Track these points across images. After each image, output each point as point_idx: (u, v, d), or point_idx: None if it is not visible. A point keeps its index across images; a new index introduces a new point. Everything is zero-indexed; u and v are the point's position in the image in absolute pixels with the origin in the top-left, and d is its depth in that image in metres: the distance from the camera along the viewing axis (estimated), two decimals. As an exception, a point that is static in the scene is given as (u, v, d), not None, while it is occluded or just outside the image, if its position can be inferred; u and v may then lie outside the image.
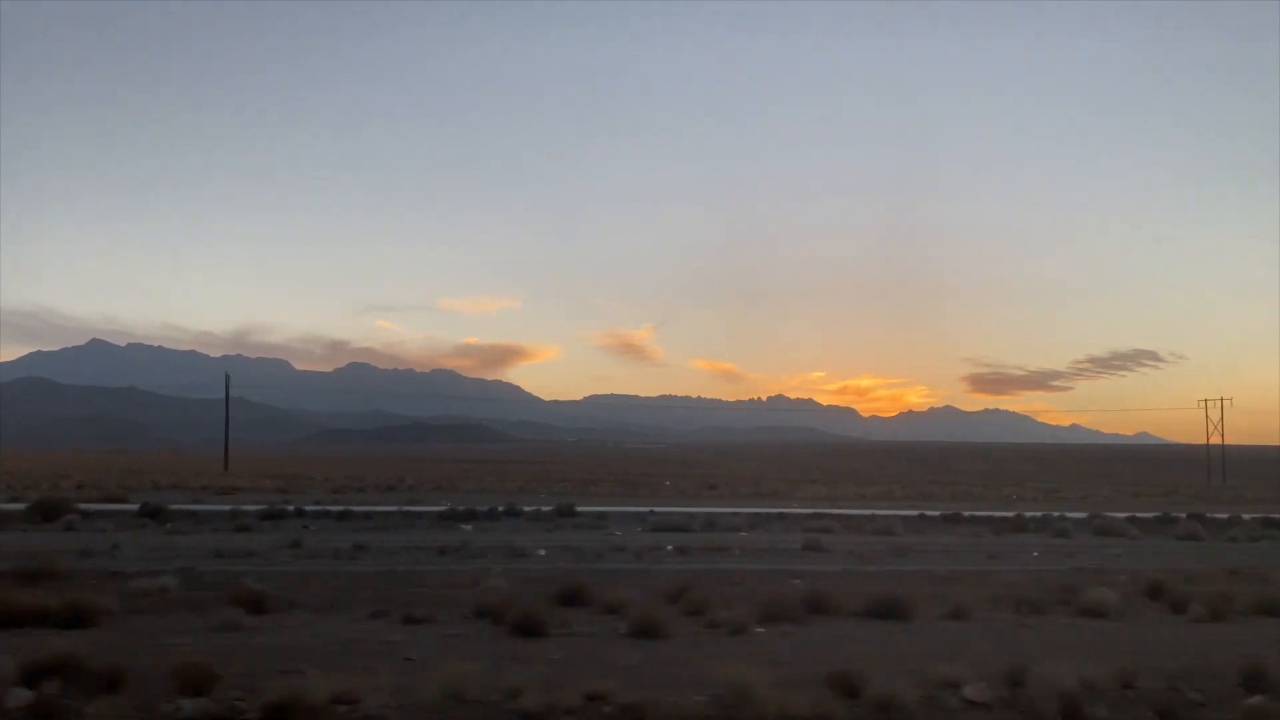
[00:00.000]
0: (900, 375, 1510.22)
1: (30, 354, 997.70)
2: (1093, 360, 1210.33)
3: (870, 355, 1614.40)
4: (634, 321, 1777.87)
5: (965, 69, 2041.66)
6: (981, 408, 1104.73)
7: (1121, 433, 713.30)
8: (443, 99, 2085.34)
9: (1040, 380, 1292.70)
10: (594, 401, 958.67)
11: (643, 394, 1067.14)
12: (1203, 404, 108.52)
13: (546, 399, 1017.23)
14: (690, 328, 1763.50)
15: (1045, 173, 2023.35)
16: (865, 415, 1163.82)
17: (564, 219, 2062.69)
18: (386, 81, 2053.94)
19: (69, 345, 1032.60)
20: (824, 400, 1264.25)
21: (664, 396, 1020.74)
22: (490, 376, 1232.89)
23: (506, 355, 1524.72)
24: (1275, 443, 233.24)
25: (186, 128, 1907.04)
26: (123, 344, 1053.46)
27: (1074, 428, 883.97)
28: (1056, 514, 34.04)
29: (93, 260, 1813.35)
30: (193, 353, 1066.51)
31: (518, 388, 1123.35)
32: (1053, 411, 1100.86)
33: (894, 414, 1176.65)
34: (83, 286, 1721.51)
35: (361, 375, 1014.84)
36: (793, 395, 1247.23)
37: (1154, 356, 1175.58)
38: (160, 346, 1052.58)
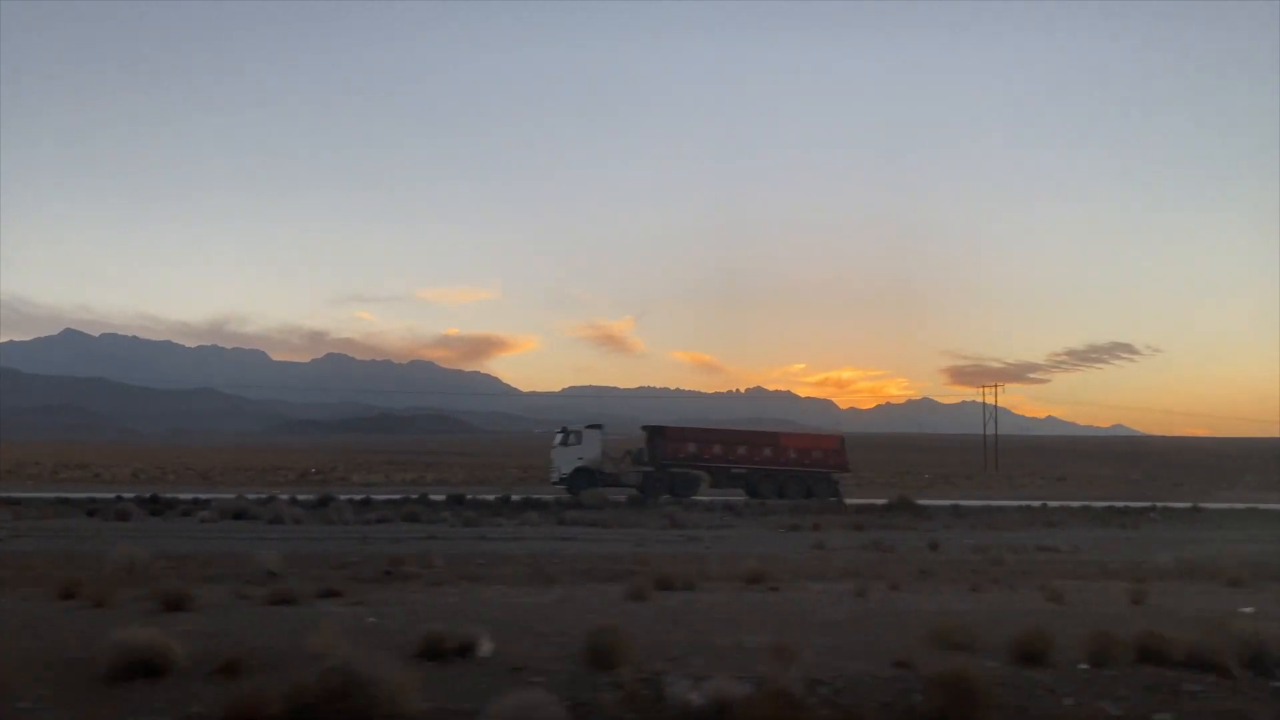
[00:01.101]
0: (881, 368, 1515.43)
1: (4, 343, 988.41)
2: (1070, 353, 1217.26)
3: (851, 348, 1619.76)
4: (614, 313, 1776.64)
5: (944, 66, 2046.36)
6: (959, 399, 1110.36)
7: (1096, 424, 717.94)
8: (423, 91, 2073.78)
9: (1018, 372, 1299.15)
10: (572, 393, 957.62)
11: (622, 385, 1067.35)
12: (981, 392, 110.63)
13: (524, 390, 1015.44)
14: (671, 319, 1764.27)
15: (1024, 166, 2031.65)
16: (843, 407, 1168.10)
17: (544, 210, 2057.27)
18: (366, 73, 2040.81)
19: (42, 335, 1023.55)
20: (804, 392, 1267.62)
21: (641, 388, 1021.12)
22: (471, 367, 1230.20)
23: (487, 346, 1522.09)
24: (1225, 434, 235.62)
25: (167, 118, 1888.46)
26: (96, 334, 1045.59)
27: (1049, 419, 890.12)
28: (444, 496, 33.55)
29: (69, 250, 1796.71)
30: (167, 343, 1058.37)
31: (496, 379, 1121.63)
32: (1028, 404, 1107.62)
33: (872, 406, 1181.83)
34: (58, 276, 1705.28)
35: (339, 366, 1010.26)
36: (771, 387, 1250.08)
37: (1130, 349, 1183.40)
38: (134, 337, 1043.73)
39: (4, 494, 32.64)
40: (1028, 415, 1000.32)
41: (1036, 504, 37.88)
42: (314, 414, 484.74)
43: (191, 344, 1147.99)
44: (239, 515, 24.86)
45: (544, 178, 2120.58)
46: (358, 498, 32.14)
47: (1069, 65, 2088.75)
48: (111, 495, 31.80)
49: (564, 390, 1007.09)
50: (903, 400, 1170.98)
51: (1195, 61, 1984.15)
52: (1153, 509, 34.44)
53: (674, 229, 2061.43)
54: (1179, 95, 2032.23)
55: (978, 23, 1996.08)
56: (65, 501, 29.16)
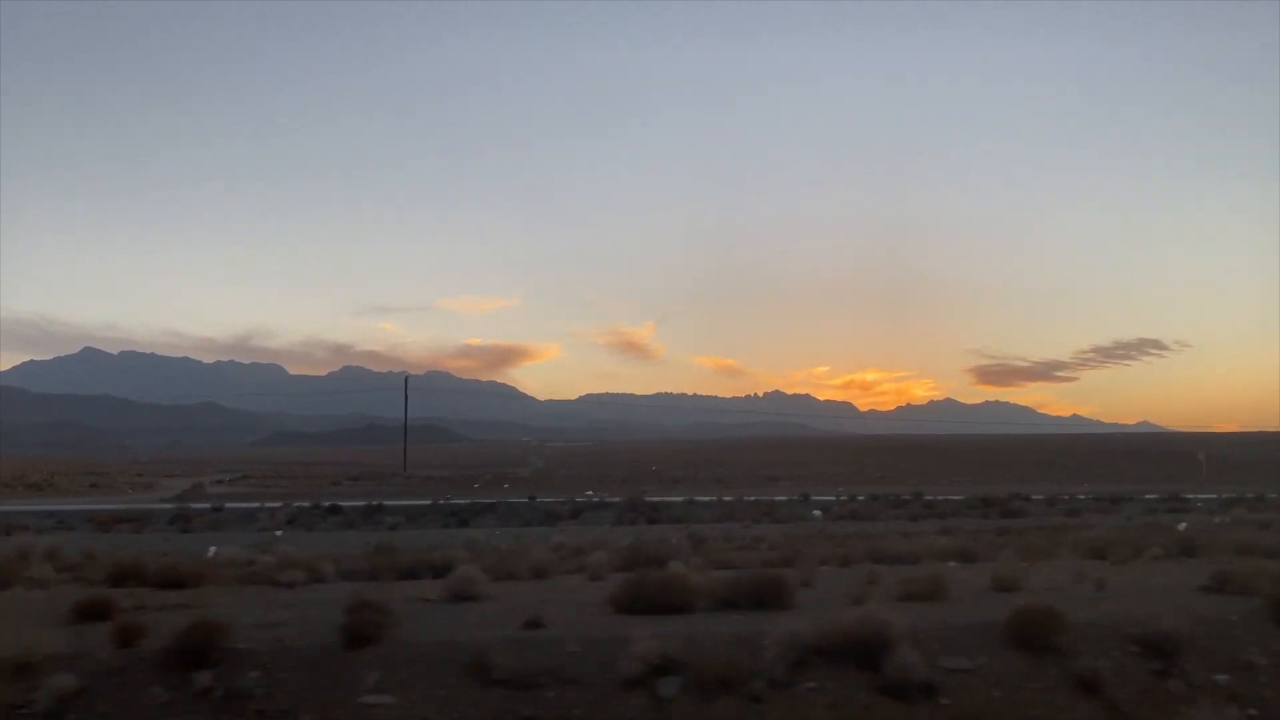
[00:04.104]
0: (905, 369, 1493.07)
1: (25, 363, 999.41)
2: (1097, 350, 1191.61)
3: (876, 349, 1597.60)
4: (635, 319, 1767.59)
5: (962, 66, 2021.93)
6: (982, 400, 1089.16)
7: (1122, 422, 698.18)
8: (442, 101, 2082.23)
9: (1044, 371, 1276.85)
10: (589, 400, 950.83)
11: (642, 392, 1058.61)
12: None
13: (542, 399, 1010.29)
14: (692, 325, 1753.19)
15: (1049, 165, 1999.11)
16: (863, 409, 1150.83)
17: (565, 217, 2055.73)
18: (385, 85, 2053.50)
19: (61, 354, 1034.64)
20: (828, 395, 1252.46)
21: (659, 394, 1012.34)
22: (492, 377, 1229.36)
23: (509, 355, 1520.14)
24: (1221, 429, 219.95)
25: (193, 137, 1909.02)
26: (115, 351, 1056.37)
27: (1075, 418, 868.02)
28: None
29: (95, 269, 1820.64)
30: (185, 359, 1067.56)
31: (513, 388, 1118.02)
32: (1054, 403, 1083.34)
33: (893, 408, 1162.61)
34: (84, 294, 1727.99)
35: (353, 378, 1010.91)
36: (791, 391, 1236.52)
37: (1159, 345, 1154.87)
38: (152, 353, 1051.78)
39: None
40: (1053, 414, 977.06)
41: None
42: (314, 425, 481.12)
43: (209, 359, 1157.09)
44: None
45: (564, 186, 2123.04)
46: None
47: (1096, 63, 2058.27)
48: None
49: (580, 398, 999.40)
50: (925, 402, 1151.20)
51: (1217, 57, 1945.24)
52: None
53: (695, 234, 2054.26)
54: (1209, 90, 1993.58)
55: (1003, 22, 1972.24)
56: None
